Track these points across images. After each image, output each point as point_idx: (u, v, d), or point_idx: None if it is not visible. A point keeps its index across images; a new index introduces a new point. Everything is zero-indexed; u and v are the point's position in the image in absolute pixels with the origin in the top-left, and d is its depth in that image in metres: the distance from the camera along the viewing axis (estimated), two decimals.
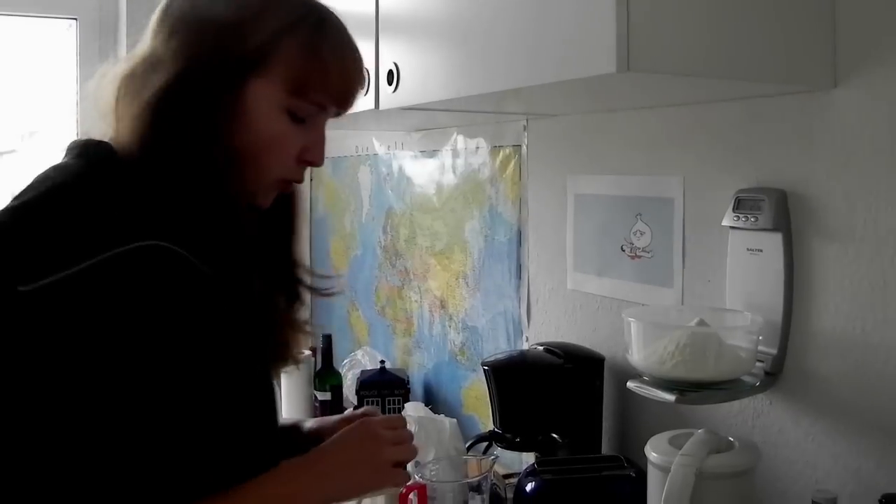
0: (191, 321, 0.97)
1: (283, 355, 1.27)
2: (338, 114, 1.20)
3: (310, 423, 1.41)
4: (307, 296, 1.33)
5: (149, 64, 1.10)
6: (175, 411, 0.96)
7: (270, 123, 1.11)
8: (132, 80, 1.10)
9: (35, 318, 0.93)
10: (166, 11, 1.13)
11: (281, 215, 1.27)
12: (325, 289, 1.35)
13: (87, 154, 1.08)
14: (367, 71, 1.18)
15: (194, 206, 1.05)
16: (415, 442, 1.28)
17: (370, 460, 1.20)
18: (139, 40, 1.15)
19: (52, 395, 0.92)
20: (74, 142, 1.12)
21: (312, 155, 1.17)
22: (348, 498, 1.22)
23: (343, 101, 1.17)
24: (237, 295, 1.06)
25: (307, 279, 1.32)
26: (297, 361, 1.31)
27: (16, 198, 1.03)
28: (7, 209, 1.02)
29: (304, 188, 1.32)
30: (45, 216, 0.99)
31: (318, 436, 1.34)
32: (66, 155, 1.10)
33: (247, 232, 1.12)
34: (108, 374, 0.92)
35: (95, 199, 1.01)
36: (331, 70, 1.13)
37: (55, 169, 1.07)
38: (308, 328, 1.34)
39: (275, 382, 1.21)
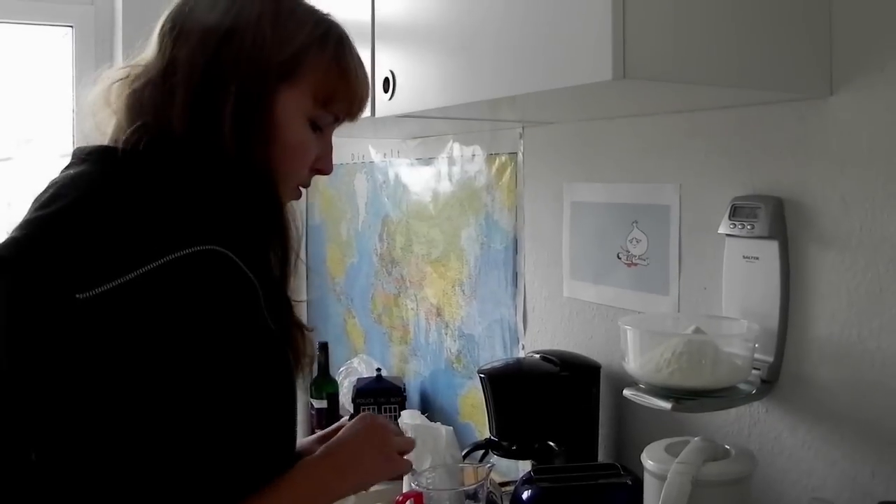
0: (245, 324, 1.01)
1: (299, 359, 1.28)
2: (341, 124, 1.24)
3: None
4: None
5: (169, 72, 1.11)
6: (229, 412, 0.99)
7: (296, 131, 1.15)
8: (152, 88, 1.11)
9: (95, 325, 0.94)
10: (181, 20, 1.13)
11: None
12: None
13: (105, 161, 1.09)
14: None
15: (240, 210, 1.09)
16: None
17: (380, 448, 1.25)
18: (143, 49, 1.16)
19: (114, 399, 0.94)
20: (84, 149, 1.12)
21: (323, 164, 1.23)
22: (365, 486, 1.26)
23: (357, 112, 1.23)
24: (275, 300, 1.08)
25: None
26: (311, 364, 1.32)
27: (42, 206, 1.04)
28: (38, 218, 1.02)
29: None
30: (89, 223, 1.00)
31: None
32: (78, 163, 1.10)
33: (289, 234, 1.17)
34: (168, 377, 0.94)
35: (139, 204, 1.02)
36: (352, 83, 1.19)
37: (78, 177, 1.07)
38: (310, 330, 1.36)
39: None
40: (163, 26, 1.14)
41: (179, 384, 0.95)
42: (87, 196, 1.03)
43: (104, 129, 1.13)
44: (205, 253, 0.98)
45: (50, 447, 0.96)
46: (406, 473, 1.37)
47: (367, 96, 1.24)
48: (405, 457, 1.31)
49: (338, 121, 1.22)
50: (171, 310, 0.95)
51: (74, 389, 0.94)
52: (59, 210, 1.02)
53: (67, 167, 1.11)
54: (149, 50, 1.15)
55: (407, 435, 1.36)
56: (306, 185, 1.24)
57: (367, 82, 1.23)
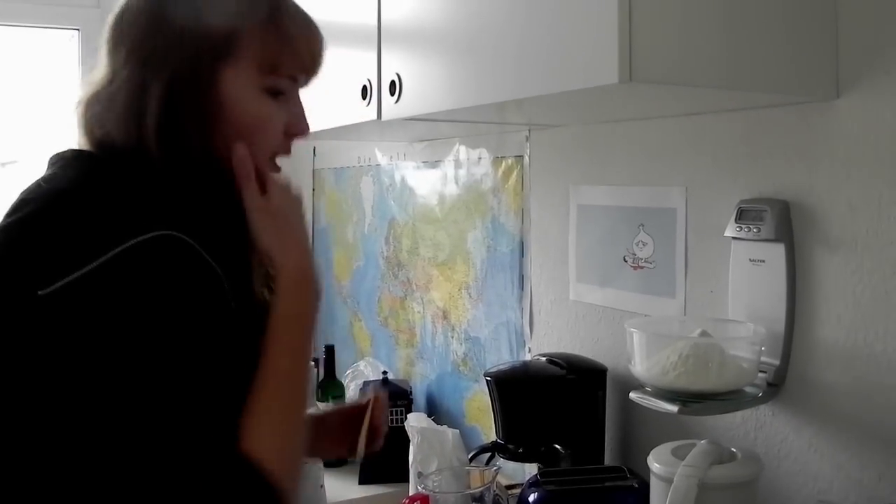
0: (205, 307, 1.00)
1: None
2: (307, 81, 1.22)
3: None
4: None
5: (118, 80, 1.12)
6: (194, 394, 0.99)
7: (252, 106, 1.13)
8: (105, 99, 1.12)
9: (57, 319, 0.95)
10: (119, 26, 1.14)
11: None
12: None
13: (74, 164, 1.11)
14: (320, 35, 1.22)
15: (198, 201, 1.09)
16: (418, 453, 1.28)
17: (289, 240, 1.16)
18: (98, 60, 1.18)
19: (76, 390, 0.94)
20: (57, 154, 1.15)
21: (298, 127, 1.20)
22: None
23: (312, 67, 1.19)
24: (238, 287, 1.08)
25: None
26: None
27: (10, 213, 1.05)
28: (10, 223, 1.03)
29: (306, 198, 1.32)
30: (53, 222, 1.01)
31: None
32: (49, 168, 1.13)
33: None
34: (131, 363, 0.95)
35: (100, 200, 1.03)
36: (296, 41, 1.15)
37: (46, 180, 1.09)
38: None
39: None
40: (108, 34, 1.16)
41: (143, 369, 0.95)
42: (52, 197, 1.04)
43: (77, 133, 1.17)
44: (161, 238, 0.98)
45: (19, 443, 0.97)
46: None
47: (317, 48, 1.19)
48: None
49: (297, 82, 1.19)
50: (130, 297, 0.96)
51: (40, 385, 0.95)
52: (27, 214, 1.03)
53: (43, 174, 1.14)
54: (101, 59, 1.17)
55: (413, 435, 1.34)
56: (287, 153, 1.22)
57: (316, 34, 1.19)
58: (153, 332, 0.96)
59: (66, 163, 1.12)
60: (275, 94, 1.15)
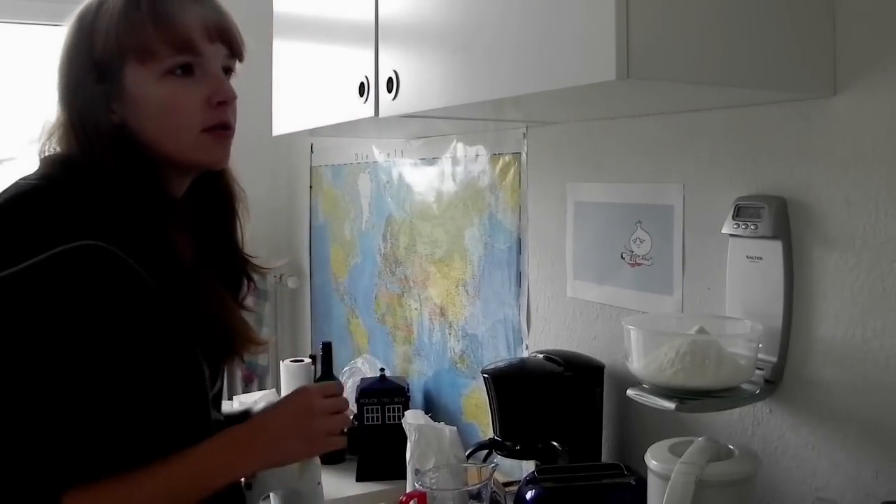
0: (118, 314, 1.10)
1: (232, 343, 1.34)
2: (214, 51, 1.25)
3: (259, 407, 1.47)
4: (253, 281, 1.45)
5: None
6: (96, 395, 1.09)
7: (154, 93, 1.20)
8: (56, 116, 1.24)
9: None
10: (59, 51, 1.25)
11: (216, 201, 1.38)
12: (263, 267, 1.47)
13: (43, 166, 1.22)
14: (210, 5, 1.27)
15: (122, 204, 1.16)
16: (416, 450, 1.30)
17: (303, 431, 1.29)
18: None
19: None
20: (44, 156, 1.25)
21: (217, 94, 1.24)
22: (281, 464, 1.32)
23: (185, 45, 1.21)
24: (169, 287, 1.16)
25: (249, 264, 1.44)
26: (255, 344, 1.37)
27: None
28: None
29: (304, 195, 1.35)
30: (4, 218, 1.11)
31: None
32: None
33: (175, 223, 1.24)
34: (38, 360, 1.05)
35: (43, 204, 1.12)
36: (151, 25, 1.19)
37: (20, 180, 1.19)
38: (253, 309, 1.47)
39: (226, 370, 1.40)
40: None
41: (54, 370, 1.05)
42: (10, 196, 1.13)
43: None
44: (84, 248, 1.07)
45: None
46: (340, 447, 1.37)
47: (182, 25, 1.21)
48: (345, 413, 1.35)
49: (200, 55, 1.23)
50: (46, 298, 1.05)
51: None
52: None
53: None
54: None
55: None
56: (224, 122, 1.26)
57: (177, 11, 1.21)
58: (62, 337, 1.06)
59: (40, 165, 1.23)
60: (179, 74, 1.21)
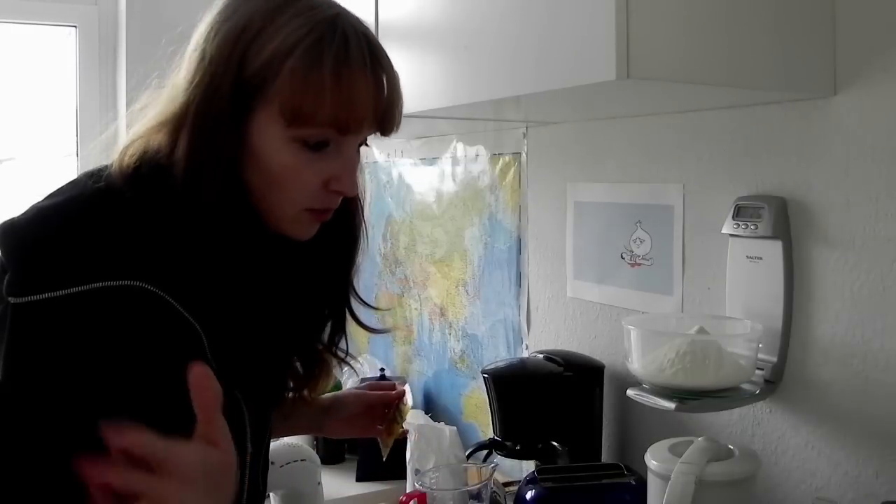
0: (142, 364, 0.96)
1: (309, 386, 1.29)
2: (360, 135, 1.09)
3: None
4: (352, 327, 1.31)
5: (169, 97, 1.08)
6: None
7: (278, 156, 1.04)
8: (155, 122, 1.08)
9: (18, 329, 0.94)
10: (196, 38, 1.08)
11: (336, 243, 1.23)
12: (372, 327, 1.35)
13: (100, 178, 1.05)
14: (389, 86, 1.08)
15: (197, 243, 1.03)
16: (416, 450, 1.28)
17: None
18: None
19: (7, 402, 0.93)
20: (97, 168, 1.09)
21: (339, 184, 1.08)
22: None
23: (347, 126, 1.05)
24: (230, 333, 1.05)
25: (356, 311, 1.30)
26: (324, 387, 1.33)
27: (46, 197, 1.03)
28: (32, 209, 1.01)
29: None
30: (46, 234, 0.98)
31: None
32: (85, 176, 1.08)
33: (255, 272, 1.10)
34: (61, 399, 0.93)
35: (103, 225, 0.99)
36: (331, 93, 1.02)
37: (74, 184, 1.06)
38: (343, 356, 1.32)
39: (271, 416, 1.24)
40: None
41: (69, 399, 0.93)
42: (51, 207, 1.01)
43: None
44: (131, 288, 0.95)
45: None
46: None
47: (357, 106, 1.04)
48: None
49: (346, 134, 1.06)
50: (82, 333, 0.94)
51: None
52: (48, 206, 1.01)
53: None
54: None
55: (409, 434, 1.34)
56: (329, 207, 1.12)
57: (360, 89, 1.04)
58: (90, 373, 0.93)
59: (96, 178, 1.05)
60: (312, 145, 1.05)
